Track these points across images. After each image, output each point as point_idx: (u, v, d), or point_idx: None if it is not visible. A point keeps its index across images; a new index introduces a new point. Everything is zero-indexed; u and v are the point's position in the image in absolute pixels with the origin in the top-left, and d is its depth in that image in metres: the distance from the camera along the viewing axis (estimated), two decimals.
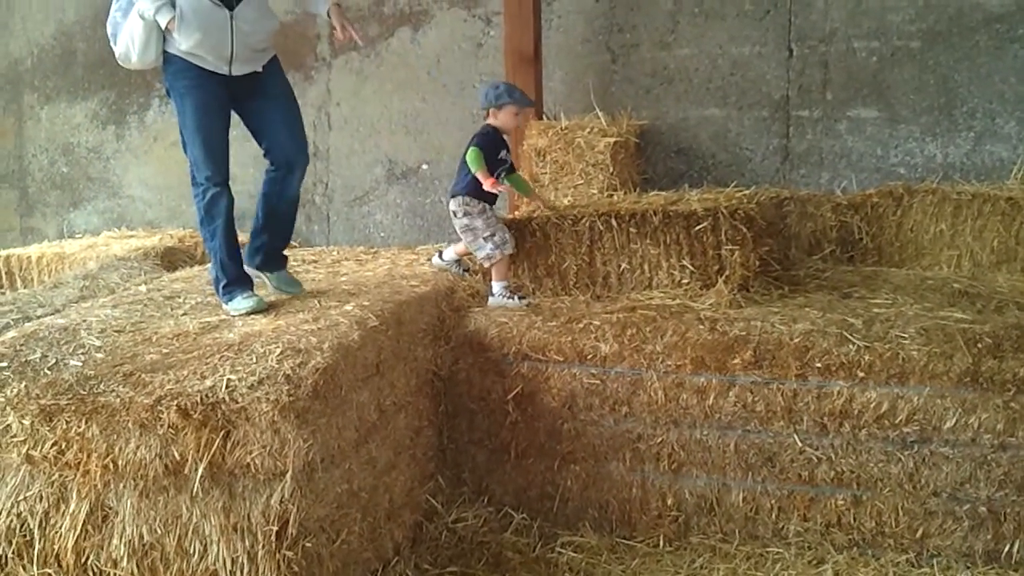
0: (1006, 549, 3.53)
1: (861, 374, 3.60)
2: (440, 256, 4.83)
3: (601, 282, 4.57)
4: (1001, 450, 3.52)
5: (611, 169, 5.43)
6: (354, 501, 3.35)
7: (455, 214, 4.47)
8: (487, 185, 4.25)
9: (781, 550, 3.70)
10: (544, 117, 6.03)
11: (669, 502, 3.88)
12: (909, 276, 4.77)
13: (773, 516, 3.77)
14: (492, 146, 4.43)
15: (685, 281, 4.48)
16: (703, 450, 3.83)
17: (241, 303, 3.84)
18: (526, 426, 4.04)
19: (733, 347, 3.76)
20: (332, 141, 6.96)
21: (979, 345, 3.56)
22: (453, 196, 4.49)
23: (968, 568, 3.55)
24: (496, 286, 4.45)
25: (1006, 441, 3.50)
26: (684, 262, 4.47)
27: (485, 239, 4.40)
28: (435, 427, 4.18)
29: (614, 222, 4.50)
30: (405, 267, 4.97)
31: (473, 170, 4.31)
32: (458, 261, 4.77)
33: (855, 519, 3.68)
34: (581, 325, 4.02)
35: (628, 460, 3.92)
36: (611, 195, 5.18)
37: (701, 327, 3.88)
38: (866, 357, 3.60)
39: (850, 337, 3.67)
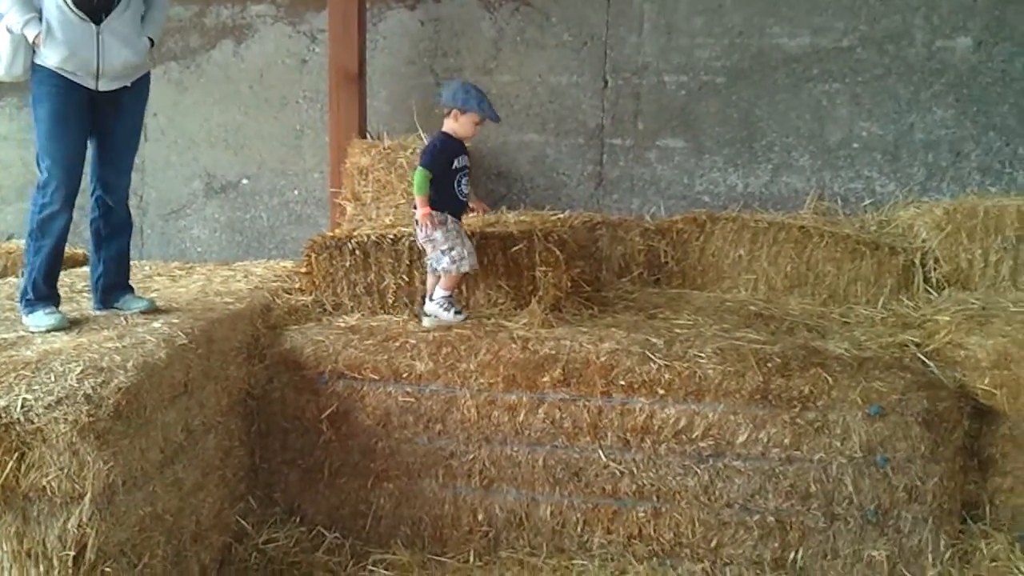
0: (791, 556, 3.77)
1: (661, 391, 3.78)
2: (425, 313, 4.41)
3: (420, 301, 4.61)
4: (788, 463, 3.75)
5: None
6: (158, 524, 3.26)
7: (416, 223, 4.31)
8: (418, 214, 4.19)
9: (586, 562, 3.83)
10: (367, 136, 6.04)
11: (480, 517, 3.95)
12: (710, 298, 5.02)
13: (579, 529, 3.90)
14: (445, 157, 4.28)
15: (501, 301, 4.58)
16: (513, 466, 3.92)
17: (42, 319, 3.70)
18: (340, 445, 4.03)
19: (543, 365, 3.87)
20: (148, 152, 6.73)
21: (769, 364, 3.79)
22: (415, 208, 4.34)
23: (758, 575, 3.77)
24: (439, 292, 4.32)
25: (792, 455, 3.74)
26: (500, 282, 4.58)
27: (443, 252, 4.25)
28: (247, 447, 4.12)
29: None
30: (220, 284, 4.87)
31: (414, 192, 4.24)
32: (447, 298, 4.35)
33: (655, 531, 3.84)
34: (397, 344, 4.06)
35: (441, 477, 3.97)
36: None
37: (514, 346, 3.98)
38: (666, 375, 3.78)
39: (652, 356, 3.84)
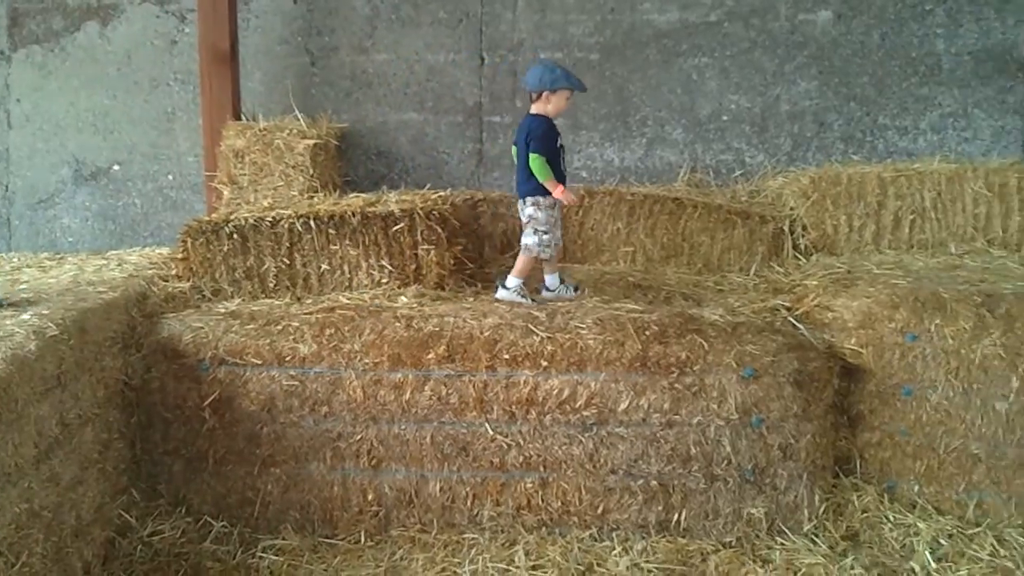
0: (675, 518, 3.89)
1: (545, 363, 3.84)
2: (547, 288, 4.58)
3: (302, 284, 4.58)
4: (668, 427, 3.86)
5: (311, 171, 5.45)
6: (35, 521, 3.17)
7: (524, 203, 4.39)
8: (556, 193, 4.27)
9: (476, 535, 3.88)
10: (242, 117, 5.93)
11: (370, 497, 3.95)
12: (590, 271, 5.12)
13: (468, 503, 3.94)
14: (551, 141, 4.32)
15: (384, 281, 4.58)
16: (401, 444, 3.93)
17: None
18: (224, 432, 3.98)
19: (428, 343, 3.89)
20: (12, 140, 6.47)
21: (647, 332, 3.89)
22: (524, 196, 4.38)
23: (644, 538, 3.86)
24: (512, 281, 4.40)
25: (672, 419, 3.85)
26: (383, 262, 4.57)
27: (535, 232, 4.36)
28: (127, 439, 4.02)
29: (313, 224, 4.52)
30: (93, 273, 4.72)
31: (541, 180, 4.26)
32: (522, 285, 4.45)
33: (543, 500, 3.91)
34: (280, 327, 4.01)
35: (329, 459, 3.96)
36: (311, 197, 5.20)
37: (398, 325, 3.98)
38: (549, 347, 3.84)
39: (534, 329, 3.90)
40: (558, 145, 4.38)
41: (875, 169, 5.32)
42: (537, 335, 3.87)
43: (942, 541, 3.72)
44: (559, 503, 3.91)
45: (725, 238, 5.26)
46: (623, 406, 3.85)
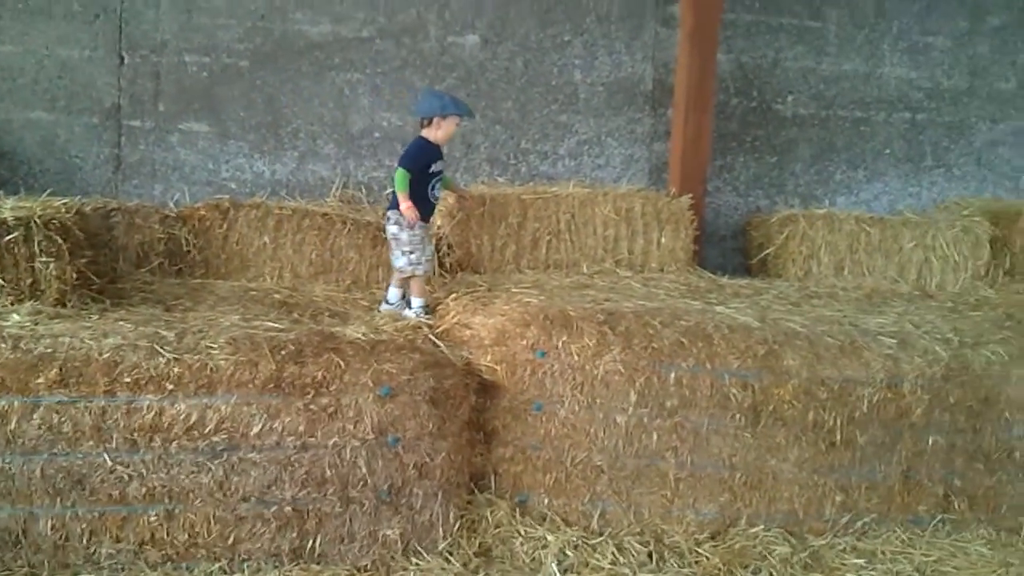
0: (309, 544, 3.78)
1: (171, 386, 3.61)
2: (387, 301, 4.82)
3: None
4: (303, 451, 3.76)
5: None
6: None
7: (388, 219, 4.64)
8: (403, 208, 4.46)
9: (93, 575, 3.59)
10: None
11: None
12: (234, 287, 4.94)
13: (84, 541, 3.61)
14: (424, 161, 4.56)
15: None
16: (6, 479, 3.54)
17: None
18: None
19: (38, 366, 3.54)
20: None
21: (283, 352, 3.77)
22: (389, 209, 4.64)
23: (276, 568, 3.73)
24: (415, 302, 4.69)
25: (307, 442, 3.75)
26: None
27: (403, 253, 4.61)
28: None
29: None
30: None
31: (395, 190, 4.50)
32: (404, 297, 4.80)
33: (168, 534, 3.67)
34: None
35: None
36: None
37: (3, 346, 3.60)
38: (176, 369, 3.62)
39: (160, 350, 3.66)
40: (432, 171, 4.62)
41: (516, 191, 5.56)
42: (164, 356, 3.64)
43: (568, 552, 3.88)
44: (186, 536, 3.68)
45: (374, 255, 5.28)
46: (256, 430, 3.70)
